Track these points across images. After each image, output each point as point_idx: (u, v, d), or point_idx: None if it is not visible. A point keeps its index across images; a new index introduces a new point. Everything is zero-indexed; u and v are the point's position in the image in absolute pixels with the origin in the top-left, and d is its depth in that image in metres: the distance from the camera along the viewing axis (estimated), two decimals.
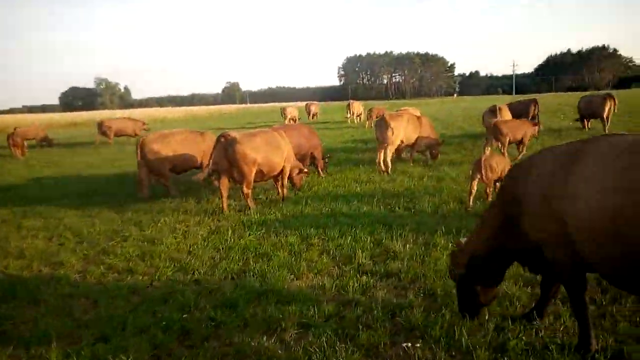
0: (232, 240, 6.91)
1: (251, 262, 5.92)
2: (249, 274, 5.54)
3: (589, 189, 2.99)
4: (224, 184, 8.79)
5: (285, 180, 9.64)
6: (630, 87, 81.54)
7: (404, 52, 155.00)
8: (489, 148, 12.60)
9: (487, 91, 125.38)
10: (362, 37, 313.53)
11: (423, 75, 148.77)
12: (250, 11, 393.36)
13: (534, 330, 3.90)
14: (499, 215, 3.74)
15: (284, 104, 45.78)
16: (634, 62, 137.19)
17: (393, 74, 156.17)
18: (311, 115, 37.73)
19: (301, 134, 11.67)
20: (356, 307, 4.54)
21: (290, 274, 5.48)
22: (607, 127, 16.01)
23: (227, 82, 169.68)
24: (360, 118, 30.87)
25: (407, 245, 6.16)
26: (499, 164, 8.10)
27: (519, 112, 16.53)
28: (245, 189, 8.72)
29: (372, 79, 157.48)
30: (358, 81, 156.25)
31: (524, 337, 3.77)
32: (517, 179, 3.64)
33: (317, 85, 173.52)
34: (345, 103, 39.51)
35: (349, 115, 30.90)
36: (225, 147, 8.64)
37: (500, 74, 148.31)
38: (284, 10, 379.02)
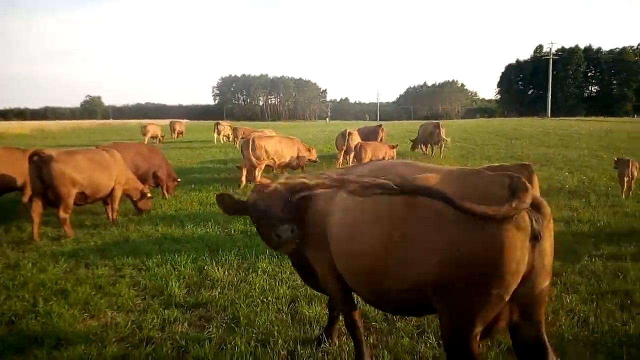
0: (31, 274, 5.96)
1: (41, 301, 5.11)
2: (32, 315, 4.75)
3: (337, 207, 3.05)
4: (36, 207, 7.67)
5: (116, 204, 8.81)
6: (475, 118, 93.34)
7: (278, 75, 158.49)
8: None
9: (356, 117, 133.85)
10: (238, 58, 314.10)
11: (297, 98, 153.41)
12: (116, 23, 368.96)
13: (324, 353, 3.88)
14: None
15: (147, 121, 42.94)
16: (477, 96, 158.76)
17: (269, 96, 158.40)
18: (176, 133, 36.16)
19: (139, 153, 10.90)
20: (147, 345, 4.11)
21: (84, 313, 4.83)
22: (441, 152, 18.08)
23: (87, 96, 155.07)
24: (228, 138, 30.37)
25: (229, 271, 5.92)
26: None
27: (367, 135, 17.72)
28: (61, 214, 7.71)
29: (248, 100, 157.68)
30: (234, 101, 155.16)
31: None
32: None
33: (191, 103, 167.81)
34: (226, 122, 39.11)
35: (216, 135, 30.21)
36: (39, 166, 7.59)
37: (367, 102, 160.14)
38: (155, 24, 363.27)
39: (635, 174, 10.59)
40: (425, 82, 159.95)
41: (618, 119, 56.43)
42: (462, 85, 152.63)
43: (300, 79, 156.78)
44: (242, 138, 28.13)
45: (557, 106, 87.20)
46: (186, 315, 4.78)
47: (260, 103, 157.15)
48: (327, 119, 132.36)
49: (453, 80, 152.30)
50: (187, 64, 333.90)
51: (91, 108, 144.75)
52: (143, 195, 9.32)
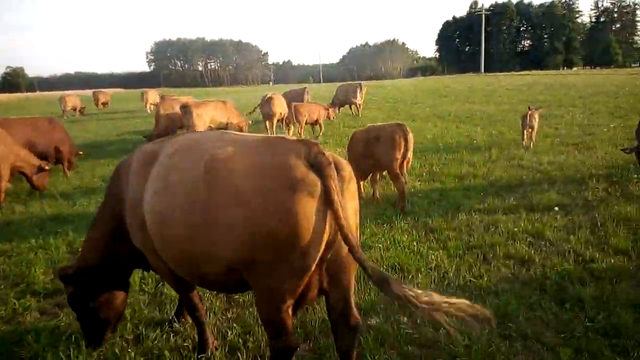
0: None
1: None
2: None
3: (148, 192, 2.84)
4: None
5: (3, 184, 8.13)
6: (416, 76, 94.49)
7: (216, 38, 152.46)
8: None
9: (300, 79, 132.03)
10: (172, 21, 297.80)
11: (238, 62, 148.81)
12: None
13: (172, 335, 3.76)
14: (108, 217, 3.41)
15: (65, 93, 39.94)
16: (418, 54, 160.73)
17: (208, 61, 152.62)
18: (100, 104, 34.21)
19: (36, 127, 10.11)
20: None
21: None
22: (359, 112, 18.73)
23: (8, 67, 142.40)
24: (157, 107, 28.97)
25: None
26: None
27: (292, 99, 17.46)
28: None
29: (186, 65, 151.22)
30: (171, 67, 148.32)
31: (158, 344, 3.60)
32: (120, 175, 3.33)
33: (124, 71, 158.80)
34: (156, 90, 37.36)
35: (144, 104, 28.81)
36: None
37: (311, 64, 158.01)
38: None
39: (535, 125, 11.06)
40: (367, 42, 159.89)
41: (547, 72, 58.99)
42: (403, 44, 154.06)
43: (240, 41, 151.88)
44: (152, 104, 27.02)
45: (492, 62, 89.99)
46: (41, 303, 4.49)
47: (200, 68, 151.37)
48: (270, 82, 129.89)
49: (394, 40, 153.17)
50: (117, 29, 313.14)
51: (13, 80, 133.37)
52: (40, 169, 8.65)
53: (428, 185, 8.24)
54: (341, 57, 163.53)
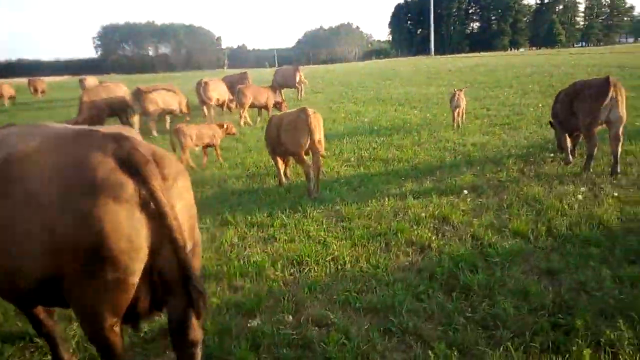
0: None
1: None
2: None
3: None
4: None
5: None
6: (371, 59, 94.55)
7: (167, 22, 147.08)
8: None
9: (256, 64, 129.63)
10: (118, 4, 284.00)
11: (191, 47, 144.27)
12: None
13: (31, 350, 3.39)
14: None
15: (2, 81, 37.49)
16: (373, 38, 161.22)
17: (159, 45, 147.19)
18: (38, 92, 32.26)
19: None
20: None
21: None
22: (301, 95, 18.74)
23: None
24: None
25: None
26: (202, 131, 8.97)
27: (233, 84, 16.92)
28: None
29: (136, 50, 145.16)
30: (119, 52, 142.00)
31: None
32: None
33: (71, 57, 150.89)
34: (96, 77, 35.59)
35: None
36: None
37: (266, 48, 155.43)
38: None
39: (462, 104, 11.15)
40: (321, 26, 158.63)
41: (494, 53, 60.43)
42: (358, 27, 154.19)
43: (192, 25, 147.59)
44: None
45: (443, 44, 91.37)
46: None
47: (151, 53, 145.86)
48: (225, 67, 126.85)
49: (348, 23, 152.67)
50: (60, 13, 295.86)
51: None
52: None
53: (353, 171, 8.07)
54: (297, 41, 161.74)
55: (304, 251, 4.70)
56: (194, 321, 2.51)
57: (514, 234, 4.84)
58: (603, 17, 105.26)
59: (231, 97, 15.73)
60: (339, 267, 4.42)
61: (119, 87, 15.39)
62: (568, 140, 7.26)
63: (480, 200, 5.99)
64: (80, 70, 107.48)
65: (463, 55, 59.77)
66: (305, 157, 6.68)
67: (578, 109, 6.60)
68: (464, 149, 8.86)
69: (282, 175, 7.38)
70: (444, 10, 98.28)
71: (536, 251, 4.43)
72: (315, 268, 4.40)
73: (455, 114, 11.13)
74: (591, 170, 6.70)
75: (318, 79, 30.95)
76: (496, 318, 3.39)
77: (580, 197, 5.73)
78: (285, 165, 7.58)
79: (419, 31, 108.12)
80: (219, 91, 15.64)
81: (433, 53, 68.88)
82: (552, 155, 7.86)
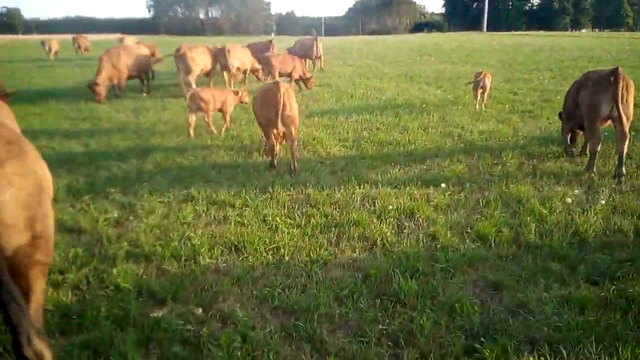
0: None
1: None
2: None
3: None
4: None
5: None
6: (423, 32, 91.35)
7: None
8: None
9: (303, 31, 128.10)
10: None
11: (241, 12, 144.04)
12: None
13: None
14: None
15: (52, 37, 38.92)
16: (426, 10, 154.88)
17: (209, 8, 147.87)
18: (82, 49, 33.21)
19: None
20: None
21: None
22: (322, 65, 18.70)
23: (3, 7, 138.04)
24: None
25: None
26: (215, 96, 8.81)
27: (259, 50, 16.66)
28: None
29: (187, 12, 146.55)
30: (171, 14, 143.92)
31: None
32: None
33: (125, 16, 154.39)
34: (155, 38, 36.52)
35: None
36: None
37: (315, 15, 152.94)
38: None
39: (487, 85, 10.53)
40: None
41: (550, 33, 56.67)
42: None
43: None
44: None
45: (499, 20, 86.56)
46: None
47: (201, 16, 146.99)
48: (272, 33, 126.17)
49: None
50: None
51: (9, 22, 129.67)
52: None
53: (346, 152, 7.72)
54: (347, 10, 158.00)
55: (248, 237, 4.49)
56: (36, 336, 2.22)
57: (476, 238, 4.43)
58: None
59: (257, 66, 15.45)
60: (278, 258, 4.19)
61: (141, 49, 15.46)
62: (570, 135, 6.81)
63: (460, 195, 5.53)
64: (133, 30, 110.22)
65: (514, 33, 56.42)
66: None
67: (581, 100, 5.94)
68: (469, 137, 8.27)
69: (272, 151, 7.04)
70: None
71: (492, 260, 4.01)
72: (252, 257, 4.19)
73: (478, 94, 10.51)
74: (594, 170, 6.06)
75: (354, 51, 30.11)
76: (410, 334, 3.08)
77: (569, 200, 5.17)
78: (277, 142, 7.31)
79: (475, 4, 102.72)
80: (240, 58, 15.39)
81: (485, 29, 65.36)
82: (555, 149, 7.19)
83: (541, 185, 5.74)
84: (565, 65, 17.55)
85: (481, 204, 5.22)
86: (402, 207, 5.17)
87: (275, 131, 6.51)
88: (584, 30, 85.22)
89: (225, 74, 15.29)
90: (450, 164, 6.74)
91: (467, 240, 4.39)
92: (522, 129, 8.72)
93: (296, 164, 6.61)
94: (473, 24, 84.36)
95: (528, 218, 4.73)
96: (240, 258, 4.18)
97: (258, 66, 15.11)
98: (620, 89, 5.46)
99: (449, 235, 4.46)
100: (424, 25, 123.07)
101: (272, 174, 6.58)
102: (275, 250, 4.30)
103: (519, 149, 7.33)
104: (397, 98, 12.65)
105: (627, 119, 5.67)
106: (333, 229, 4.74)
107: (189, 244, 4.38)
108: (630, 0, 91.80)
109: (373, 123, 9.69)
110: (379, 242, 4.41)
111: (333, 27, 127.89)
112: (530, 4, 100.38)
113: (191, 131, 8.65)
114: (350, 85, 15.54)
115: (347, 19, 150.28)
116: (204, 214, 5.18)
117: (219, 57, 15.35)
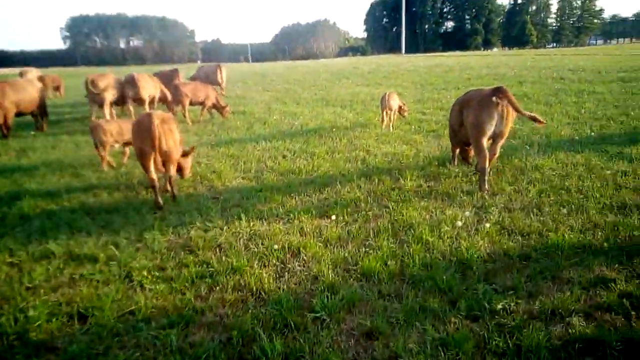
0: None
1: None
2: None
3: None
4: None
5: None
6: (347, 56, 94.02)
7: (139, 14, 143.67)
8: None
9: (230, 58, 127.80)
10: None
11: (163, 40, 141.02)
12: None
13: None
14: None
15: None
16: (350, 35, 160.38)
17: (130, 38, 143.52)
18: None
19: None
20: None
21: None
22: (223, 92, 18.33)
23: None
24: None
25: None
26: (120, 128, 8.31)
27: (164, 79, 15.88)
28: None
29: (106, 42, 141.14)
30: (89, 44, 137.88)
31: None
32: None
33: (37, 48, 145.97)
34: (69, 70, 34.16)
35: None
36: None
37: (241, 42, 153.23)
38: None
39: (393, 106, 10.71)
40: (298, 22, 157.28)
41: (464, 53, 60.32)
42: (334, 23, 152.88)
43: (164, 17, 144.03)
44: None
45: (417, 42, 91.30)
46: None
47: (122, 45, 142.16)
48: (198, 61, 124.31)
49: (325, 19, 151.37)
50: (26, 3, 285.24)
51: None
52: None
53: (245, 184, 7.22)
54: (273, 36, 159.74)
55: (100, 301, 3.82)
56: None
57: (361, 275, 4.07)
58: (574, 19, 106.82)
59: (165, 95, 14.69)
60: (131, 325, 3.55)
61: (33, 83, 14.18)
62: (459, 150, 7.06)
63: (352, 226, 5.20)
64: (46, 63, 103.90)
65: (429, 54, 59.52)
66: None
67: (466, 119, 5.96)
68: (373, 160, 8.10)
69: (157, 190, 6.38)
70: (419, 8, 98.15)
71: (373, 300, 3.65)
72: (98, 327, 3.52)
73: (384, 115, 10.65)
74: (487, 187, 6.01)
75: (275, 76, 30.05)
76: None
77: (459, 223, 5.00)
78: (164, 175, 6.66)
79: (394, 29, 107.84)
80: (146, 87, 14.57)
81: (404, 51, 68.46)
82: (456, 169, 7.16)
83: (435, 208, 5.56)
84: (472, 84, 18.36)
85: (372, 235, 4.91)
86: (289, 245, 4.74)
87: (152, 166, 5.96)
88: (495, 49, 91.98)
89: (129, 103, 14.44)
90: (349, 191, 6.45)
91: (351, 279, 4.01)
92: (424, 149, 8.72)
93: (175, 192, 6.40)
94: (393, 47, 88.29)
95: (416, 247, 4.46)
96: (84, 329, 3.51)
97: (167, 95, 14.42)
98: (503, 107, 5.53)
99: (331, 275, 4.06)
100: (348, 49, 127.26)
101: (157, 215, 5.93)
102: (129, 316, 3.67)
103: (418, 170, 7.22)
104: (309, 123, 12.44)
105: (502, 137, 5.91)
106: (207, 279, 4.19)
107: (21, 317, 3.64)
108: (533, 20, 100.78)
109: (280, 150, 9.33)
110: (255, 291, 3.93)
111: (260, 53, 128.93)
112: (444, 27, 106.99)
113: (105, 166, 8.29)
114: (266, 111, 15.22)
115: (273, 45, 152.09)
116: (58, 274, 4.43)
117: (126, 86, 14.51)
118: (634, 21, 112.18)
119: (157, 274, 4.34)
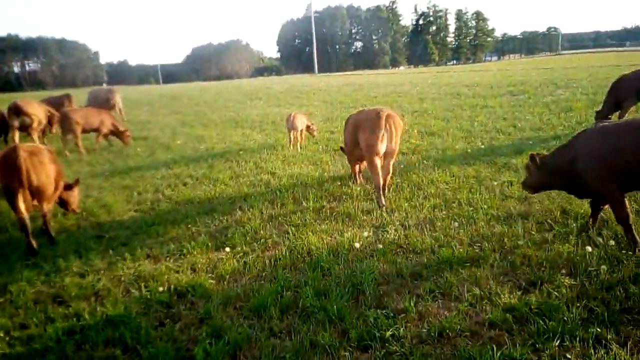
0: None
1: None
2: None
3: None
4: None
5: None
6: (262, 76, 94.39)
7: (33, 36, 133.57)
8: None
9: (139, 80, 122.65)
10: None
11: (64, 63, 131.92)
12: None
13: None
14: None
15: None
16: (264, 55, 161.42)
17: (25, 61, 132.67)
18: None
19: None
20: None
21: None
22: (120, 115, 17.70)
23: None
24: None
25: None
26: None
27: (53, 105, 14.62)
28: None
29: None
30: None
31: None
32: None
33: None
34: None
35: None
36: None
37: (151, 63, 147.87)
38: None
39: (298, 126, 10.73)
40: (210, 42, 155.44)
41: (375, 71, 63.16)
42: (247, 44, 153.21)
43: (64, 39, 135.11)
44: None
45: (329, 62, 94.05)
46: None
47: (16, 70, 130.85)
48: (104, 84, 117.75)
49: (237, 40, 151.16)
50: None
51: None
52: None
53: (139, 217, 6.66)
54: (185, 57, 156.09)
55: None
56: None
57: (253, 312, 3.79)
58: (470, 37, 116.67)
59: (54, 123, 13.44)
60: None
61: None
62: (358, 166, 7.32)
63: (250, 257, 4.91)
64: None
65: (343, 73, 61.56)
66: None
67: (360, 138, 6.09)
68: (278, 182, 7.90)
69: (29, 232, 5.67)
70: (329, 29, 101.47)
71: (259, 342, 3.36)
72: None
73: (291, 136, 10.64)
74: (384, 203, 6.06)
75: (185, 99, 29.15)
76: None
77: (357, 245, 4.93)
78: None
79: (307, 49, 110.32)
80: (36, 114, 13.26)
81: (317, 71, 70.09)
82: (358, 189, 7.19)
83: (334, 230, 5.47)
84: (378, 101, 19.07)
85: (269, 265, 4.67)
86: (177, 285, 4.34)
87: (22, 204, 5.29)
88: (401, 67, 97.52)
89: (13, 132, 13.06)
90: (250, 218, 6.18)
91: (241, 318, 3.72)
92: (330, 168, 8.71)
93: (52, 233, 5.74)
94: (306, 67, 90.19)
95: (312, 275, 4.29)
96: None
97: (54, 123, 13.22)
98: (388, 127, 5.74)
99: (219, 316, 3.74)
100: (263, 69, 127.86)
101: (29, 262, 5.22)
102: None
103: (322, 190, 7.15)
104: (215, 146, 12.04)
105: (391, 156, 6.23)
106: (77, 335, 3.67)
107: None
108: (434, 39, 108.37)
109: (181, 178, 8.83)
110: (130, 345, 3.48)
111: (171, 75, 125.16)
112: (354, 47, 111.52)
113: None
114: (171, 135, 14.54)
115: (185, 66, 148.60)
116: None
117: (9, 115, 13.13)
118: (522, 39, 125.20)
119: (16, 334, 3.74)
